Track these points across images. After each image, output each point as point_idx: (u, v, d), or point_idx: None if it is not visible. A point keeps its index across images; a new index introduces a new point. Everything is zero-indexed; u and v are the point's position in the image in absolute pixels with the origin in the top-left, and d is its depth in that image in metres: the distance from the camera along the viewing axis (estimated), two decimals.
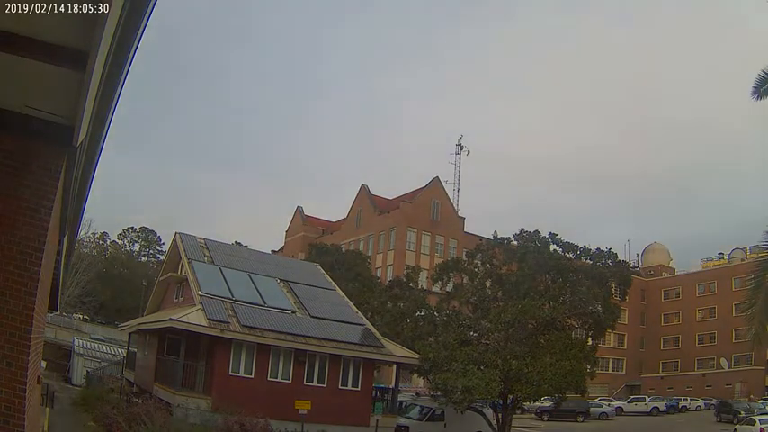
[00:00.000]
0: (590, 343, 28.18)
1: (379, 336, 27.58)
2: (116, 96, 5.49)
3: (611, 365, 74.13)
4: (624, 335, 74.48)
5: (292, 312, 25.96)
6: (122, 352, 37.48)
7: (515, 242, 29.19)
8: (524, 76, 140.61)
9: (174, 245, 29.91)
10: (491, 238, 30.90)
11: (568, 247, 28.69)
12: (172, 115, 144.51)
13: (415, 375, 37.92)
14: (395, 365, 29.21)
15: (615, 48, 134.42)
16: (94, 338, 49.42)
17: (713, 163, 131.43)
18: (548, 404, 39.96)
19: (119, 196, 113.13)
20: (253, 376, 23.03)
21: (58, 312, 51.69)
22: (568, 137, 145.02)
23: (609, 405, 52.64)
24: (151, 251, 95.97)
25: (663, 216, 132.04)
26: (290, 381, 23.75)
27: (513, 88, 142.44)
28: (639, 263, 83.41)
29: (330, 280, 32.61)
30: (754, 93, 14.66)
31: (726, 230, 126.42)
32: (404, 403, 31.84)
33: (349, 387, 25.28)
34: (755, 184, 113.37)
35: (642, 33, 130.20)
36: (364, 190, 74.24)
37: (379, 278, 48.27)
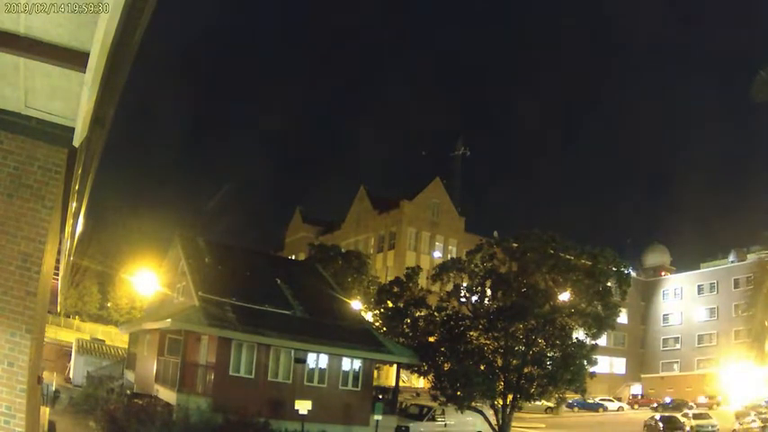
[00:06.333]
0: (590, 342, 28.17)
1: (379, 336, 27.56)
2: (116, 96, 5.50)
3: (610, 365, 74.01)
4: (624, 335, 74.40)
5: (292, 312, 25.96)
6: (123, 352, 37.46)
7: (515, 242, 29.18)
8: None
9: (174, 245, 29.90)
10: (491, 238, 30.88)
11: (568, 246, 28.69)
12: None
13: (415, 375, 37.88)
14: (395, 365, 29.21)
15: None
16: (95, 338, 49.36)
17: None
18: None
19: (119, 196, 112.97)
20: (253, 376, 23.02)
21: (59, 312, 51.66)
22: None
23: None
24: None
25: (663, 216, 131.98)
26: (290, 381, 23.74)
27: None
28: (639, 263, 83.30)
29: (330, 280, 32.60)
30: (754, 94, 14.72)
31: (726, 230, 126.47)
32: (404, 403, 31.81)
33: (349, 387, 25.27)
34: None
35: None
36: (364, 190, 74.14)
37: (378, 278, 48.19)
